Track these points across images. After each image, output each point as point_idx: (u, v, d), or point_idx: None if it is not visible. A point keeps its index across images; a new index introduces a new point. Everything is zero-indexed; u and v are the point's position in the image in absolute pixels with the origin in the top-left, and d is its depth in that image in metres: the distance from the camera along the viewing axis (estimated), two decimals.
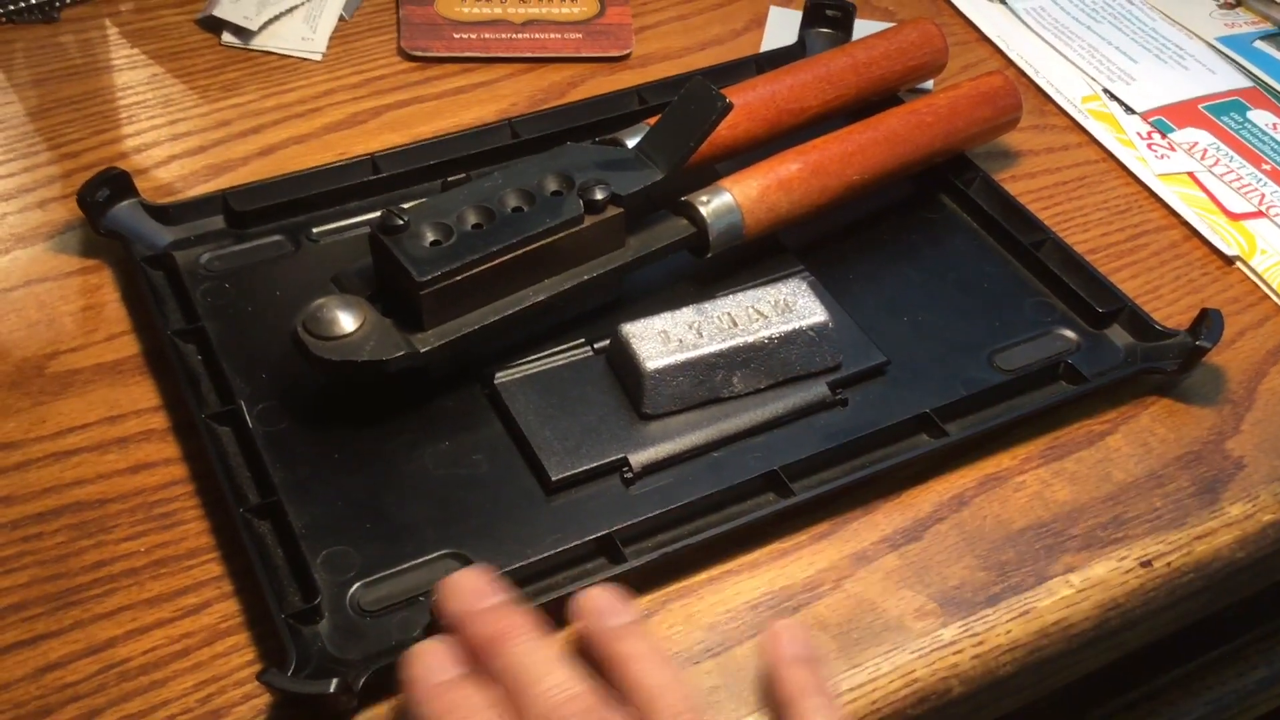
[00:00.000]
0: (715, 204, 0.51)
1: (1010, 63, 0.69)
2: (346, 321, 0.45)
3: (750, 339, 0.48)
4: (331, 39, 0.66)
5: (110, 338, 0.50)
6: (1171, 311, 0.55)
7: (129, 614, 0.41)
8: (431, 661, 0.37)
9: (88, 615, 0.41)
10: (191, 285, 0.51)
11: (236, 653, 0.41)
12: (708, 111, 0.49)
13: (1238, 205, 0.60)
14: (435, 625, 0.40)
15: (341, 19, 0.67)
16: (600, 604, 0.40)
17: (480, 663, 0.38)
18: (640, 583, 0.43)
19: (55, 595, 0.42)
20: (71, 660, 0.40)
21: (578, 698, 0.36)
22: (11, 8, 0.65)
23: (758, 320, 0.48)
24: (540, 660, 0.37)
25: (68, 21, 0.66)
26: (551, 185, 0.49)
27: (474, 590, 0.39)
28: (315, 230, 0.54)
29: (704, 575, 0.44)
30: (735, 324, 0.48)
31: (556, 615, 0.41)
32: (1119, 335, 0.52)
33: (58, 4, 0.66)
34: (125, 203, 0.53)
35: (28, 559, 0.43)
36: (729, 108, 0.49)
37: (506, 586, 0.39)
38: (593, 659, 0.39)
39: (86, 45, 0.65)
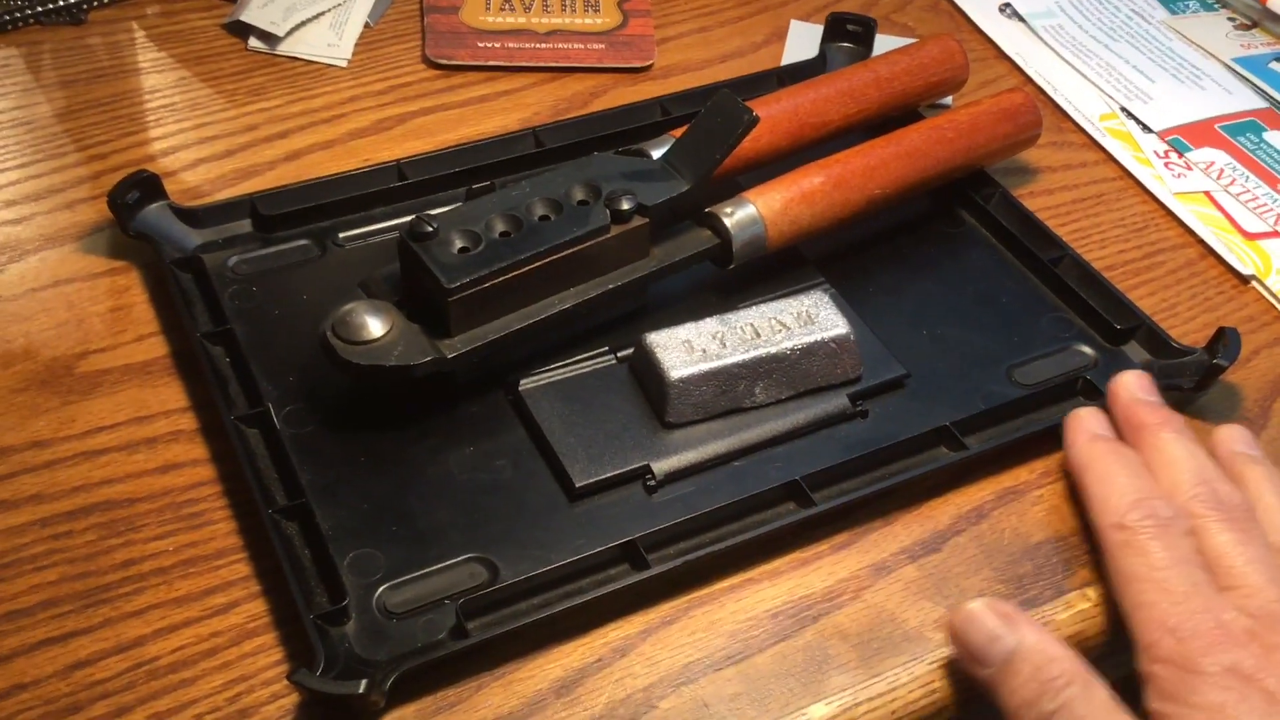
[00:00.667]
0: (739, 216, 0.51)
1: (1029, 80, 0.69)
2: (375, 326, 0.46)
3: (773, 350, 0.48)
4: (357, 46, 0.67)
5: (139, 339, 0.50)
6: (1188, 329, 0.55)
7: (158, 613, 0.42)
8: (1091, 421, 0.47)
9: (117, 614, 0.42)
10: (220, 288, 0.51)
11: (264, 653, 0.41)
12: (734, 124, 0.50)
13: (1254, 225, 0.61)
14: (460, 629, 0.40)
15: (367, 26, 0.68)
16: (1234, 434, 0.48)
17: (1135, 440, 0.47)
18: (662, 589, 0.44)
19: (84, 593, 0.42)
20: (101, 658, 0.41)
21: (1219, 480, 0.44)
22: (40, 9, 0.65)
23: (780, 331, 0.49)
24: (1187, 450, 0.45)
25: (95, 24, 0.66)
26: (578, 195, 0.50)
27: (1140, 387, 0.48)
28: (341, 235, 0.55)
29: (725, 583, 0.44)
30: (758, 335, 0.48)
31: (578, 620, 0.42)
32: (1136, 352, 0.53)
33: (85, 6, 0.66)
34: (154, 205, 0.53)
35: (57, 557, 0.43)
36: (755, 121, 0.50)
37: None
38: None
39: (114, 48, 0.65)
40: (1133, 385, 0.48)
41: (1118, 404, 0.48)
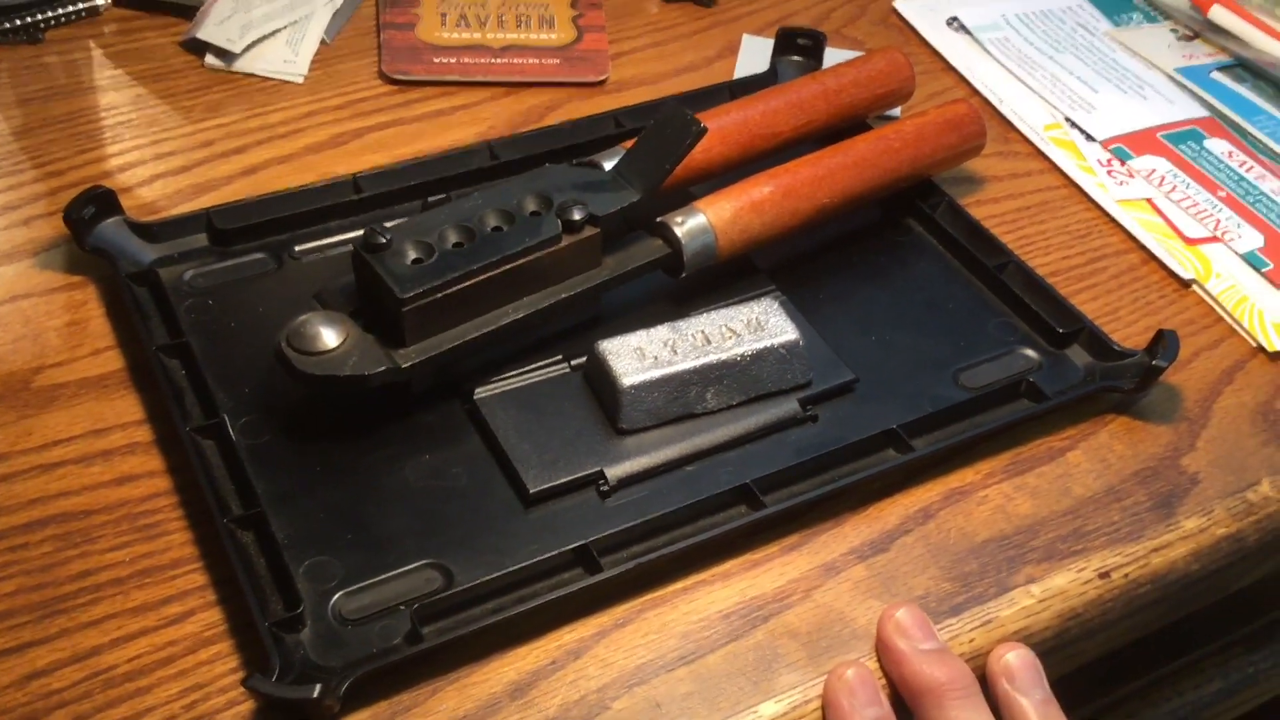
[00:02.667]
0: (690, 225, 0.52)
1: (975, 91, 0.71)
2: (329, 337, 0.46)
3: (723, 356, 0.49)
4: (313, 62, 0.67)
5: (95, 353, 0.51)
6: (1130, 332, 0.57)
7: (114, 622, 0.42)
8: (857, 692, 0.41)
9: (73, 624, 0.42)
10: (176, 301, 0.52)
11: (220, 660, 0.41)
12: (683, 135, 0.51)
13: (1194, 230, 0.62)
14: (415, 634, 0.41)
15: (323, 42, 0.69)
16: (1019, 668, 0.43)
17: (915, 708, 0.41)
18: (616, 592, 0.44)
19: (41, 604, 0.42)
20: (57, 668, 0.41)
21: None
22: None
23: (730, 338, 0.50)
24: None
25: (52, 43, 0.67)
26: (530, 206, 0.50)
27: (915, 628, 0.43)
28: (297, 248, 0.55)
29: (678, 585, 0.45)
30: (709, 341, 0.49)
31: (532, 623, 0.42)
32: (1079, 355, 0.54)
33: (43, 25, 0.67)
34: (110, 220, 0.54)
35: (14, 569, 0.43)
36: (703, 131, 0.51)
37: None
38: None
39: (71, 66, 0.65)
40: (906, 628, 0.43)
41: (890, 657, 0.43)
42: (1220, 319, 0.58)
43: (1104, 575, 0.47)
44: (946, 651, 0.43)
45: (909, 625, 0.43)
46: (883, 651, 0.43)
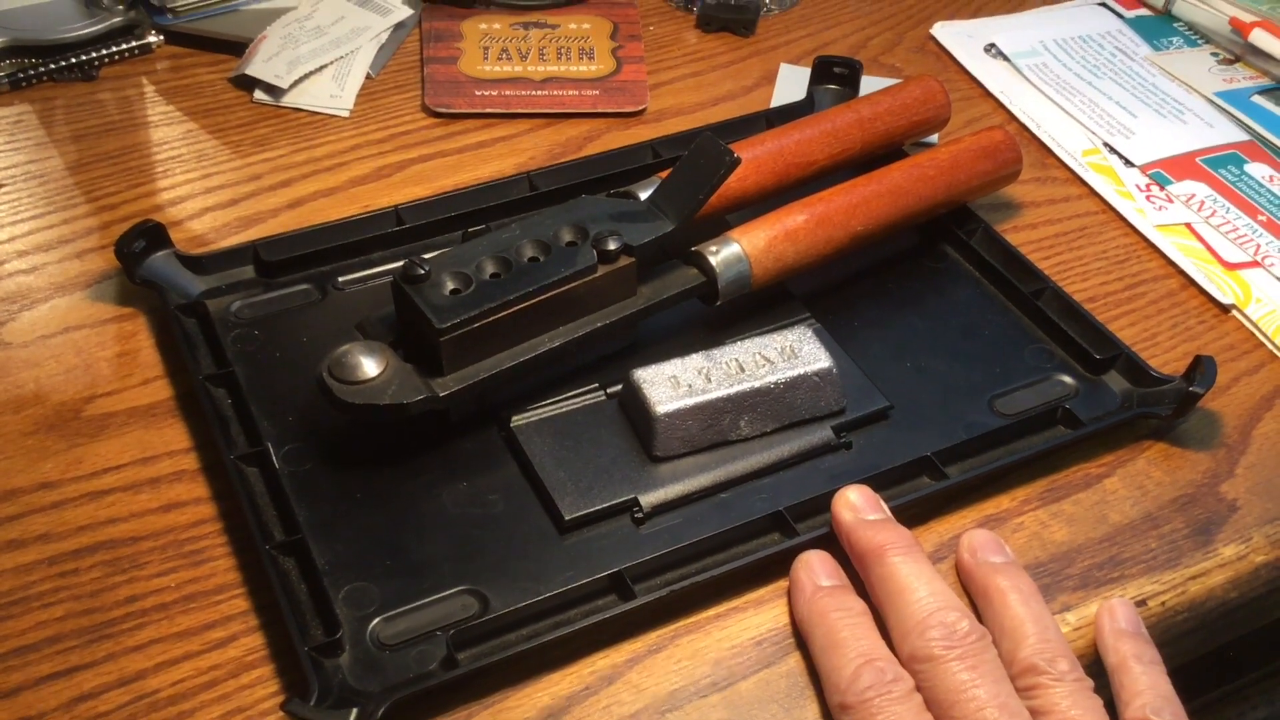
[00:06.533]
0: (724, 254, 0.53)
1: (1013, 117, 0.71)
2: (370, 366, 0.47)
3: (757, 384, 0.49)
4: (358, 96, 0.69)
5: (144, 382, 0.52)
6: (1169, 358, 0.56)
7: (159, 647, 0.43)
8: (815, 567, 0.45)
9: (119, 648, 0.43)
10: (223, 332, 0.53)
11: (261, 685, 0.42)
12: (716, 166, 0.52)
13: (1234, 255, 0.62)
14: (450, 659, 0.41)
15: (368, 77, 0.70)
16: (982, 541, 0.46)
17: (862, 570, 0.45)
18: (649, 619, 0.45)
19: (89, 629, 0.44)
20: (103, 691, 0.42)
21: (946, 609, 0.42)
22: (53, 66, 0.68)
23: (764, 366, 0.50)
24: (913, 573, 0.43)
25: (106, 80, 0.69)
26: (567, 236, 0.51)
27: (863, 504, 0.46)
28: (341, 279, 0.57)
29: (711, 611, 0.46)
30: (743, 369, 0.50)
31: (567, 649, 0.43)
32: (1116, 381, 0.54)
33: (97, 63, 0.69)
34: (160, 253, 0.55)
35: (63, 594, 0.45)
36: (737, 162, 0.51)
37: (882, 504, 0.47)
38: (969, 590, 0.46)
39: (124, 103, 0.67)
40: (855, 504, 0.46)
41: (840, 529, 0.46)
42: (1260, 344, 0.58)
43: (1141, 603, 0.47)
44: (891, 520, 0.46)
45: (858, 501, 0.46)
46: (835, 527, 0.46)
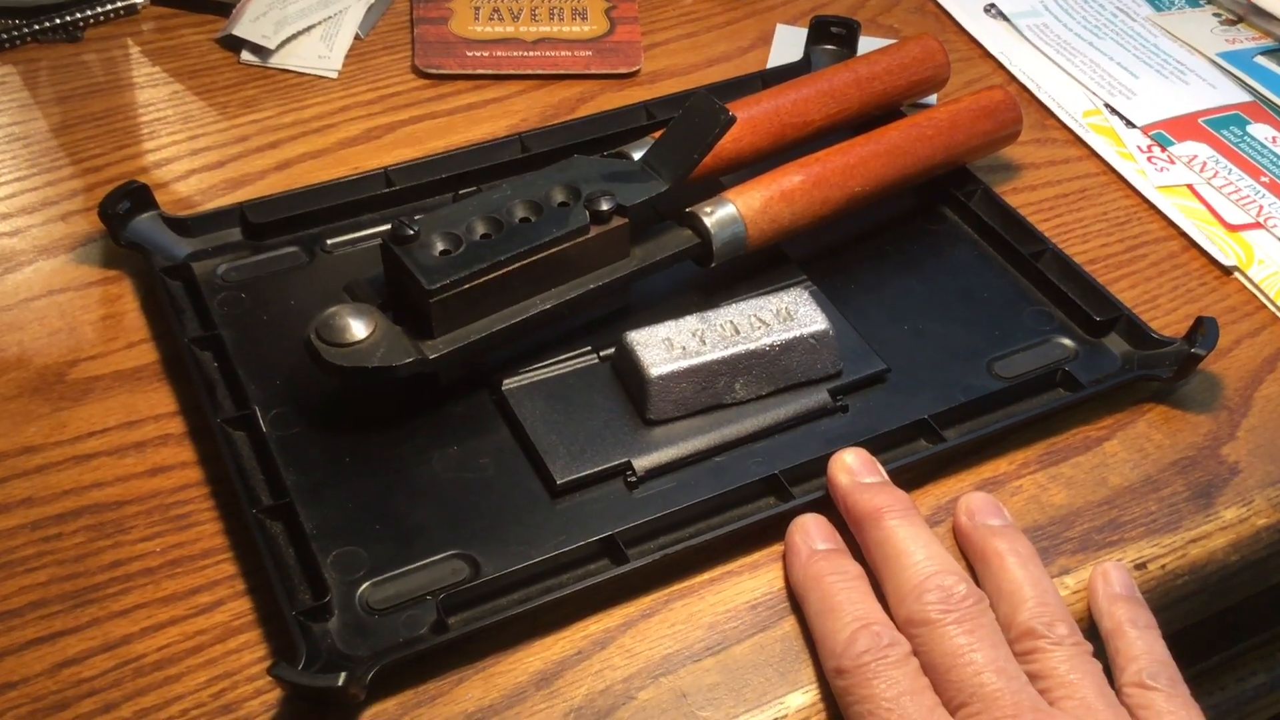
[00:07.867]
0: (719, 215, 0.52)
1: (1012, 78, 0.70)
2: (358, 329, 0.47)
3: (752, 346, 0.49)
4: (347, 57, 0.68)
5: (129, 345, 0.51)
6: (1170, 320, 0.56)
7: (144, 612, 0.43)
8: (811, 530, 0.45)
9: (104, 613, 0.42)
10: (209, 295, 0.52)
11: (248, 649, 0.42)
12: (711, 125, 0.51)
13: (1236, 217, 0.61)
14: (441, 623, 0.41)
15: (357, 38, 0.69)
16: (980, 505, 0.46)
17: (858, 533, 0.44)
18: (642, 583, 0.44)
19: (73, 594, 0.43)
20: (88, 656, 0.41)
21: (943, 573, 0.41)
22: (37, 27, 0.67)
23: (760, 328, 0.49)
24: (910, 536, 0.43)
25: (91, 41, 0.68)
26: (558, 196, 0.50)
27: (859, 466, 0.45)
28: (329, 242, 0.56)
29: (705, 576, 0.45)
30: (738, 332, 0.49)
31: (559, 614, 0.42)
32: (1116, 344, 0.53)
33: (82, 24, 0.68)
34: (145, 215, 0.54)
35: (47, 559, 0.44)
36: (732, 121, 0.50)
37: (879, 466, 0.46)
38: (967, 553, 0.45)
39: (109, 64, 0.66)
40: (851, 467, 0.46)
41: (836, 493, 0.45)
42: (1262, 306, 0.57)
43: (1140, 566, 0.46)
44: (888, 483, 0.45)
45: (854, 464, 0.46)
46: (831, 490, 0.46)
